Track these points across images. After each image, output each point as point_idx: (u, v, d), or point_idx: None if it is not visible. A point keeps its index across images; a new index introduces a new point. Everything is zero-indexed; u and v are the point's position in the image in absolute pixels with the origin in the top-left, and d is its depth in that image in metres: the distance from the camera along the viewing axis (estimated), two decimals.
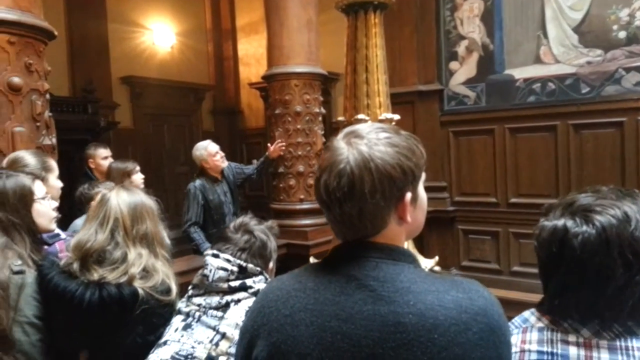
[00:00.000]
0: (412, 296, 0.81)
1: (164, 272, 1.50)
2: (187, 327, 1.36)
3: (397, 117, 2.18)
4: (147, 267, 1.47)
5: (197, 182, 3.88)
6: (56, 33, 2.65)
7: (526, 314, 1.16)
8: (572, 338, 1.04)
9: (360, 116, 2.02)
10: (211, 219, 3.87)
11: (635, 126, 4.62)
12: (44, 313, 1.46)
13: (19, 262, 1.47)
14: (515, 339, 1.11)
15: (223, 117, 8.37)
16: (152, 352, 1.36)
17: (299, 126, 4.36)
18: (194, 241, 3.78)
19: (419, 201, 0.93)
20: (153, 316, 1.42)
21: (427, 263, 2.27)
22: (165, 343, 1.34)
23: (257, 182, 6.25)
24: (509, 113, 5.26)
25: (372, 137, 0.87)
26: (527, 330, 1.11)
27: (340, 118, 2.17)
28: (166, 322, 1.44)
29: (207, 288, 1.39)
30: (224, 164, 3.99)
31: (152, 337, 1.42)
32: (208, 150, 3.90)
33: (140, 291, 1.40)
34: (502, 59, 5.29)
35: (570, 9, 4.85)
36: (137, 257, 1.46)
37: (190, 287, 1.45)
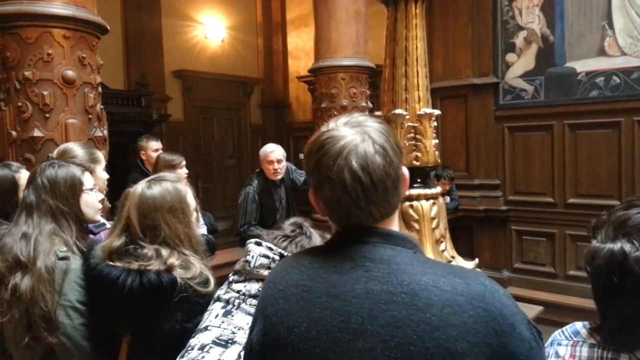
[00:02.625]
0: (407, 277, 0.80)
1: (200, 266, 1.50)
2: (227, 313, 1.37)
3: (437, 112, 2.09)
4: (183, 261, 1.48)
5: (255, 184, 3.77)
6: (109, 28, 2.71)
7: (578, 325, 1.11)
8: (624, 359, 0.99)
9: (398, 111, 1.94)
10: (263, 224, 3.77)
11: None
12: (87, 299, 1.51)
13: (65, 248, 1.53)
14: (563, 351, 1.08)
15: (271, 110, 8.42)
16: (193, 336, 1.38)
17: None
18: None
19: None
20: (192, 304, 1.44)
21: (466, 264, 2.17)
22: (206, 328, 1.36)
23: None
24: (569, 108, 4.98)
25: (369, 122, 0.88)
26: (578, 344, 1.07)
27: (378, 113, 2.09)
28: (204, 310, 1.45)
29: (248, 274, 1.39)
30: (276, 177, 3.82)
31: (190, 324, 1.43)
32: (265, 154, 3.77)
33: (179, 279, 1.41)
34: (563, 51, 5.01)
35: None
36: (170, 254, 1.47)
37: (231, 274, 1.45)
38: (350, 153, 0.82)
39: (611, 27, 4.68)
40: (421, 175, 2.00)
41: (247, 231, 3.67)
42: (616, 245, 0.98)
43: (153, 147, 3.90)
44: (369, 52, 4.44)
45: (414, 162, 1.94)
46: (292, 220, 1.49)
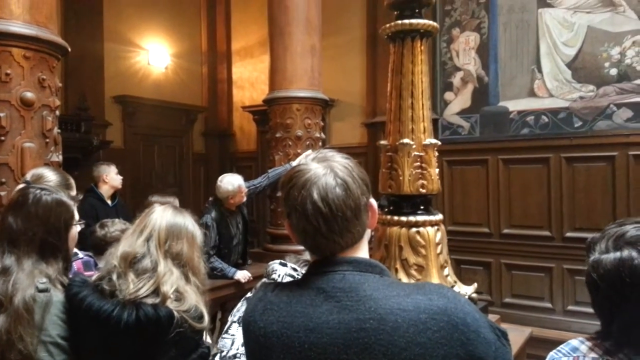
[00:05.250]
0: (373, 302, 0.85)
1: (195, 299, 1.45)
2: None
3: (439, 142, 2.21)
4: (179, 289, 1.42)
5: (213, 214, 3.74)
6: (69, 49, 2.62)
7: (574, 342, 1.15)
8: None
9: (406, 140, 2.02)
10: (219, 252, 3.77)
11: (626, 161, 4.76)
12: (69, 334, 1.40)
13: (44, 280, 1.41)
14: None
15: (214, 139, 8.32)
16: None
17: (299, 150, 4.37)
18: (216, 269, 3.65)
19: None
20: (186, 340, 1.39)
21: (466, 290, 2.30)
22: (235, 357, 1.31)
23: (249, 206, 6.17)
24: (503, 144, 5.37)
25: (335, 157, 0.94)
26: (579, 359, 1.10)
27: (383, 142, 2.16)
28: (198, 346, 1.42)
29: None
30: (245, 198, 3.89)
31: None
32: (239, 187, 3.74)
33: (176, 314, 1.36)
34: (496, 91, 5.43)
35: (564, 45, 5.03)
36: (169, 273, 1.42)
37: (251, 293, 1.43)
38: (312, 185, 0.89)
39: (540, 70, 5.15)
40: (424, 203, 2.09)
41: (206, 262, 3.59)
42: (623, 253, 1.05)
43: (114, 170, 3.91)
44: (322, 85, 4.57)
45: (421, 189, 2.03)
46: None
